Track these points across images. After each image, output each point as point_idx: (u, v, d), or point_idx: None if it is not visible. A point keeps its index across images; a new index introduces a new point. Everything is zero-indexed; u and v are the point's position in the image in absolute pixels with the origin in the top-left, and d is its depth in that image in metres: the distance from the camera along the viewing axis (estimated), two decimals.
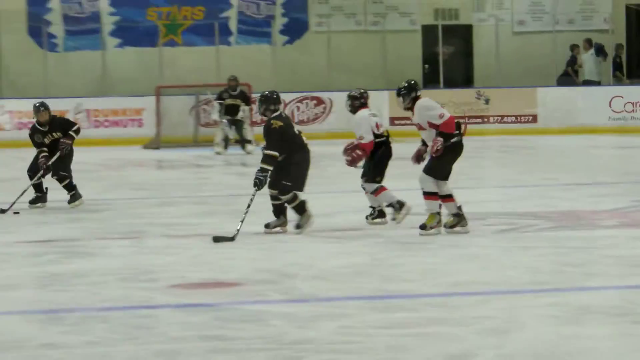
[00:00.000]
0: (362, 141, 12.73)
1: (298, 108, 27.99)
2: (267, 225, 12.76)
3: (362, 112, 13.10)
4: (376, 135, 13.20)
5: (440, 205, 12.14)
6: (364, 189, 12.96)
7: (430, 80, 29.45)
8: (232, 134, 23.65)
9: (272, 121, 12.16)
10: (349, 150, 12.85)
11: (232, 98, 23.99)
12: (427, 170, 11.98)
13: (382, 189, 12.78)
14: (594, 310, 8.83)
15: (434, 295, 9.75)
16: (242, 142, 23.44)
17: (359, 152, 12.76)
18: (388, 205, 12.96)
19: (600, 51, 29.11)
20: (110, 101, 27.50)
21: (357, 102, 13.05)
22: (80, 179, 18.35)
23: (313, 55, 29.11)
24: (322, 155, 21.53)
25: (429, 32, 29.87)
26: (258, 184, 12.28)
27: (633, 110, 28.02)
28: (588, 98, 28.20)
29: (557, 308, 8.91)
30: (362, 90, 13.15)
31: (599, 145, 21.90)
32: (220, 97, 24.19)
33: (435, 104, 12.24)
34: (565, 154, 23.80)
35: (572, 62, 29.11)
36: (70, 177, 15.84)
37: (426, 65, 30.18)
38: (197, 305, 9.39)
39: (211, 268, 11.17)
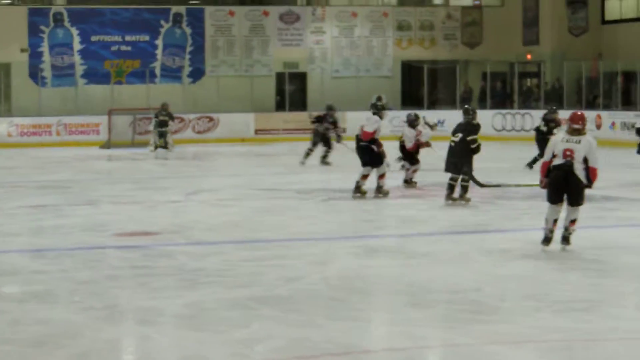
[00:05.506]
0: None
1: (197, 123, 29.11)
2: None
3: None
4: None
5: None
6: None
7: (280, 106, 31.89)
8: (159, 139, 24.16)
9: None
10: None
11: (163, 116, 24.28)
12: None
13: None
14: (379, 249, 9.42)
15: (280, 240, 10.11)
16: (166, 145, 23.94)
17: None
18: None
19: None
20: (79, 118, 28.75)
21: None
22: (58, 166, 20.26)
23: (208, 90, 30.85)
24: (214, 152, 24.59)
25: (280, 76, 32.17)
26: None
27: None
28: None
29: (357, 248, 9.45)
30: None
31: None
32: (156, 116, 24.75)
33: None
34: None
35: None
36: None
37: (277, 97, 32.04)
38: (131, 247, 9.49)
39: (141, 223, 11.46)
